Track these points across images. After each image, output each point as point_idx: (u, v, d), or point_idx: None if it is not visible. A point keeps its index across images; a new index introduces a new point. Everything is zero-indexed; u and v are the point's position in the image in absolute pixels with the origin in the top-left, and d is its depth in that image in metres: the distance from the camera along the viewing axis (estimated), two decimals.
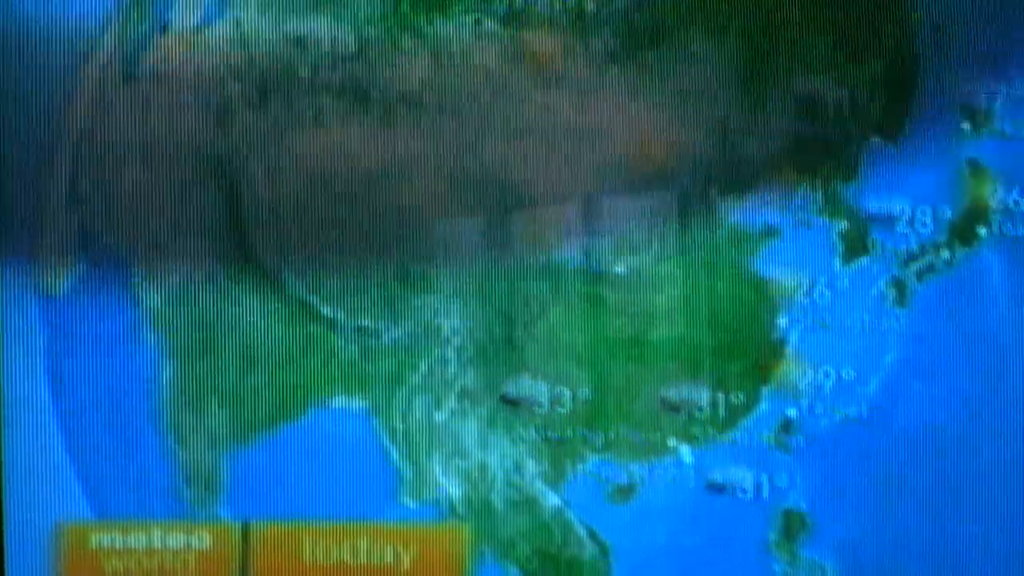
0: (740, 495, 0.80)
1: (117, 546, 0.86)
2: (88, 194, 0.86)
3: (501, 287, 0.80)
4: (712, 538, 0.80)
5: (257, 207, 0.82)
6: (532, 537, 0.82)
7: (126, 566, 0.86)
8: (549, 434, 0.81)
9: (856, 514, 0.80)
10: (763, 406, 0.79)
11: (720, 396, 0.79)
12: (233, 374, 0.83)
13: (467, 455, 0.81)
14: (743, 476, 0.80)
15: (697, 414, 0.79)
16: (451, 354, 0.81)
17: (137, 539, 0.86)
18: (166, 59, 0.83)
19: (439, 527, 0.86)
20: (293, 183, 0.82)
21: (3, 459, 0.85)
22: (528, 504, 0.81)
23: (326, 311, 0.82)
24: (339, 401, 0.83)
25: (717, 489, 0.80)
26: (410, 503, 0.83)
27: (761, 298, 0.78)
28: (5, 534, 0.85)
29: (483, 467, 0.81)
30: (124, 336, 0.86)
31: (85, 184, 0.85)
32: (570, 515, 0.81)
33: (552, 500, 0.80)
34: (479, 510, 0.82)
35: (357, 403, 0.83)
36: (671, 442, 0.80)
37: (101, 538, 0.86)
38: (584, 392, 0.80)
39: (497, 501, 0.81)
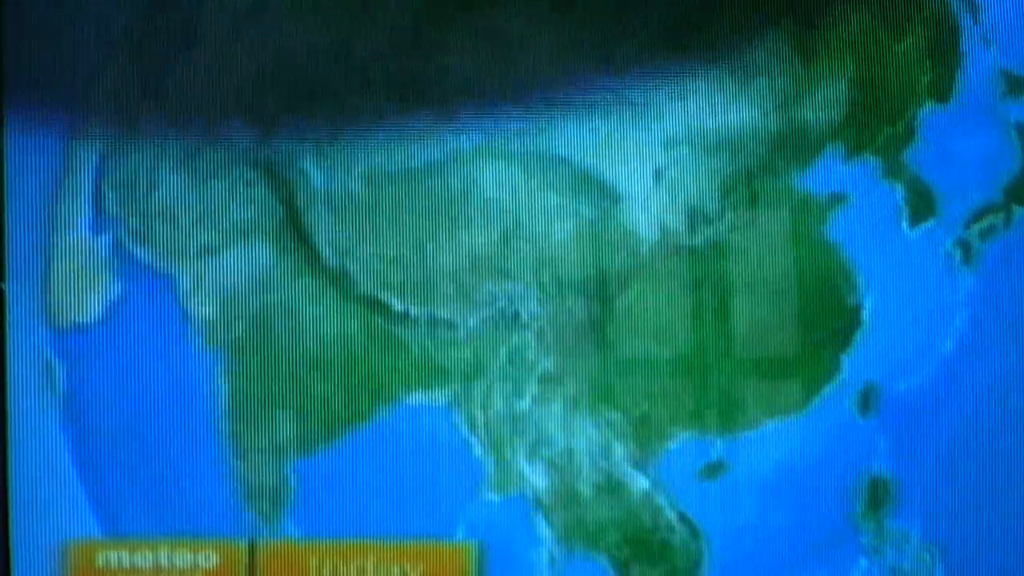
0: (825, 466, 0.79)
1: (124, 564, 0.85)
2: (119, 211, 0.82)
3: (578, 267, 0.79)
4: (798, 512, 0.79)
5: (316, 208, 0.80)
6: (621, 524, 0.80)
7: None
8: (635, 414, 0.79)
9: (940, 479, 0.80)
10: (844, 374, 0.78)
11: (802, 366, 0.78)
12: (299, 380, 0.82)
13: (552, 442, 0.80)
14: (827, 446, 0.79)
15: (781, 385, 0.78)
16: (531, 339, 0.80)
17: (144, 557, 0.85)
18: (203, 64, 0.80)
19: (446, 546, 0.85)
20: (352, 180, 0.80)
21: (10, 478, 0.84)
22: (616, 489, 0.80)
23: (397, 306, 0.81)
24: (416, 397, 0.81)
25: (802, 461, 0.79)
26: (494, 497, 0.80)
27: (835, 264, 0.79)
28: (12, 552, 0.84)
29: (569, 453, 0.80)
30: (170, 354, 0.83)
31: (113, 201, 0.81)
32: (659, 498, 0.79)
33: (641, 483, 0.79)
34: (566, 500, 0.80)
35: (435, 398, 0.81)
36: (757, 415, 0.79)
37: (108, 556, 0.85)
38: (667, 368, 0.78)
39: (584, 488, 0.80)
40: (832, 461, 0.79)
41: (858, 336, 0.78)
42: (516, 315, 0.79)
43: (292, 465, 0.83)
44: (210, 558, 0.85)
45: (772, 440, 0.79)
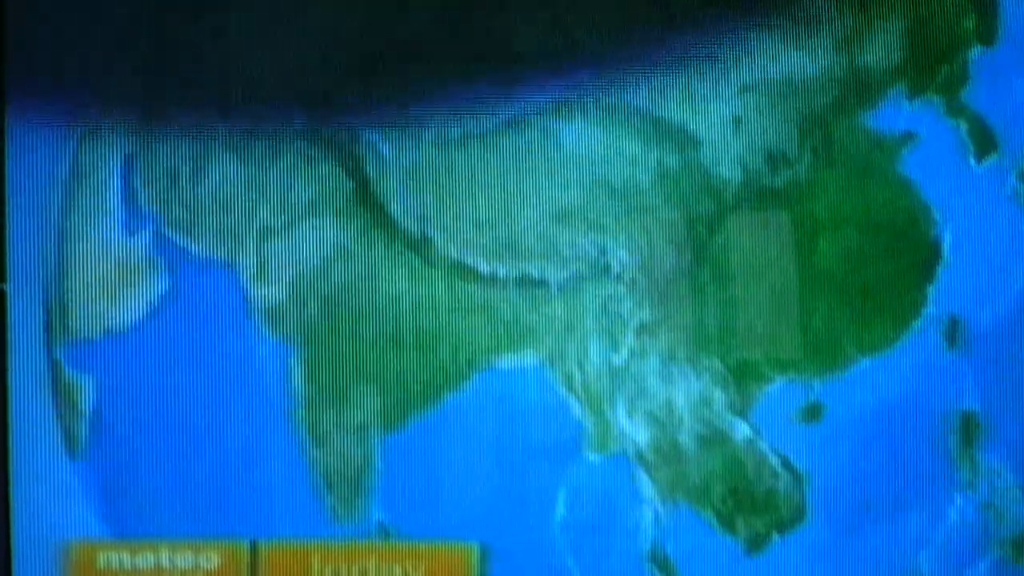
0: (918, 402, 0.79)
1: (125, 565, 0.84)
2: (158, 207, 0.82)
3: (665, 215, 0.79)
4: (895, 451, 0.79)
5: (388, 178, 0.79)
6: (725, 475, 0.79)
7: None
8: (732, 360, 0.78)
9: None
10: (930, 308, 0.79)
11: (890, 301, 0.79)
12: (382, 354, 0.80)
13: (651, 395, 0.79)
14: (918, 382, 0.79)
15: (871, 321, 0.79)
16: (623, 291, 0.79)
17: (145, 559, 0.84)
18: (241, 47, 0.80)
19: (448, 547, 0.83)
20: (424, 147, 0.79)
21: (11, 478, 0.82)
22: (719, 439, 0.79)
23: (484, 268, 0.79)
24: (509, 359, 0.79)
25: (896, 398, 0.79)
26: (595, 457, 0.79)
27: (912, 200, 0.80)
28: (13, 553, 0.82)
29: (669, 406, 0.79)
30: (232, 344, 0.82)
31: (149, 197, 0.81)
32: (762, 445, 0.79)
33: (742, 431, 0.79)
34: (668, 454, 0.79)
35: (529, 358, 0.79)
36: (850, 353, 0.79)
37: (109, 557, 0.84)
38: (761, 310, 0.79)
39: (686, 441, 0.79)
40: (924, 396, 0.79)
41: (940, 269, 0.78)
42: (607, 267, 0.78)
43: (378, 444, 0.79)
44: (211, 559, 0.84)
45: (866, 378, 0.79)
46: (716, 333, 0.79)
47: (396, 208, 0.79)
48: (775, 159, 0.78)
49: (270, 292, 0.80)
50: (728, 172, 0.78)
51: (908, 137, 0.79)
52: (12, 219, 0.83)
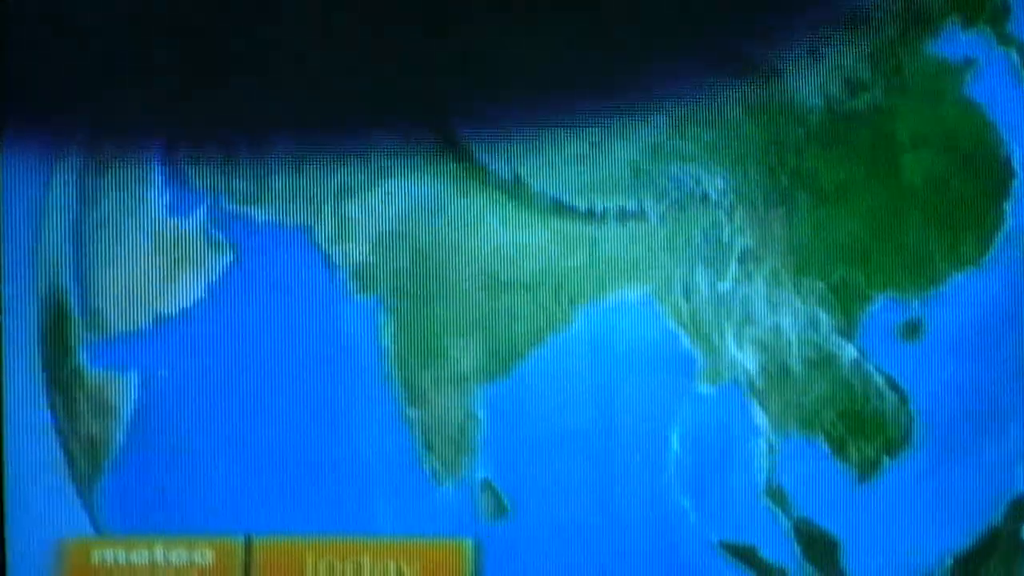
0: (1010, 316, 0.81)
1: (120, 562, 0.83)
2: (212, 182, 0.81)
3: (757, 142, 0.80)
4: (992, 367, 0.81)
5: (477, 122, 0.79)
6: (834, 398, 0.80)
7: None
8: (834, 281, 0.80)
9: None
10: (1010, 222, 0.82)
11: (974, 217, 0.81)
12: (481, 303, 0.79)
13: (758, 321, 0.79)
14: (1008, 296, 0.81)
15: (959, 238, 0.81)
16: (723, 218, 0.80)
17: (139, 555, 0.83)
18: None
19: (442, 544, 0.83)
20: (508, 84, 0.80)
21: (5, 475, 0.82)
22: (827, 362, 0.80)
23: (581, 205, 0.79)
24: (613, 296, 0.79)
25: (989, 313, 0.81)
26: (707, 388, 0.79)
27: (980, 121, 0.83)
28: (7, 550, 0.82)
29: (776, 330, 0.79)
30: (314, 309, 0.80)
31: (201, 175, 0.82)
32: (867, 365, 0.79)
33: (849, 352, 0.79)
34: (779, 380, 0.80)
35: (633, 292, 0.79)
36: (943, 268, 0.81)
37: (103, 554, 0.83)
38: (855, 230, 0.80)
39: (795, 365, 0.79)
40: (1015, 310, 0.80)
41: (1015, 185, 0.80)
42: (705, 196, 0.78)
43: (480, 396, 0.77)
44: (206, 555, 0.83)
45: (960, 293, 0.80)
46: (816, 255, 0.79)
47: (488, 154, 0.78)
48: (853, 86, 0.79)
49: (355, 250, 0.77)
50: (810, 99, 0.78)
51: (968, 63, 0.80)
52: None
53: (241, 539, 0.83)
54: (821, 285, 0.78)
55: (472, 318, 0.80)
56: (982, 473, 0.80)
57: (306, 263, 0.81)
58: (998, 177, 0.80)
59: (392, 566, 0.83)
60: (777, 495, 0.78)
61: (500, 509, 0.81)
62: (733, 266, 0.78)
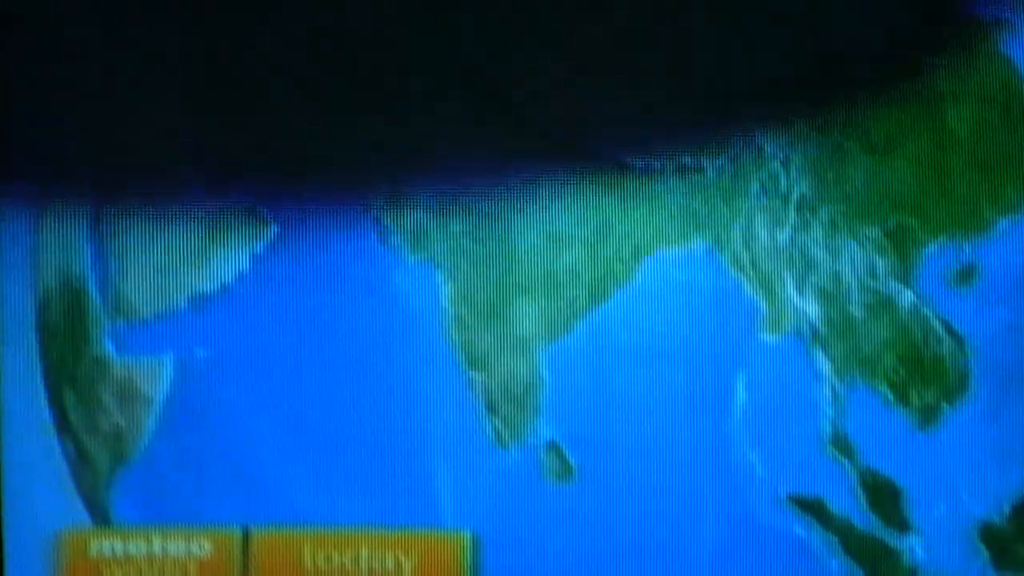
0: None
1: (117, 554, 0.83)
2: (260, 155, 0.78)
3: (806, 95, 0.82)
4: None
5: (529, 87, 0.80)
6: (895, 344, 0.81)
7: (126, 574, 0.83)
8: (890, 226, 0.81)
9: None
10: None
11: (1016, 166, 0.83)
12: (540, 261, 0.79)
13: (818, 268, 0.80)
14: None
15: (1001, 183, 0.83)
16: (778, 168, 0.81)
17: (137, 547, 0.83)
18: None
19: (441, 535, 0.83)
20: (564, 53, 0.81)
21: (3, 466, 0.82)
22: (886, 307, 0.81)
23: (639, 162, 0.80)
24: (675, 249, 0.80)
25: None
26: (770, 337, 0.80)
27: (1015, 75, 0.85)
28: (5, 542, 0.82)
29: (836, 277, 0.80)
30: (370, 276, 0.80)
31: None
32: (925, 309, 0.81)
33: (907, 297, 0.81)
34: (840, 327, 0.81)
35: (696, 244, 0.80)
36: (990, 214, 0.82)
37: (101, 546, 0.83)
38: (907, 177, 0.82)
39: (856, 312, 0.81)
40: None
41: None
42: (760, 148, 0.79)
43: (544, 355, 0.78)
44: (204, 547, 0.83)
45: (1007, 239, 0.81)
46: (871, 202, 0.79)
47: (544, 115, 0.79)
48: (893, 41, 0.80)
49: (409, 214, 0.77)
50: (855, 54, 0.79)
51: (1000, 23, 0.82)
52: None
53: (239, 530, 0.83)
54: (877, 231, 0.78)
55: (531, 278, 0.80)
56: None
57: (357, 230, 0.77)
58: None
59: (389, 557, 0.82)
60: (842, 445, 0.77)
61: (566, 470, 0.79)
62: (791, 215, 0.77)
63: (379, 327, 0.81)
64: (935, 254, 0.79)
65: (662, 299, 0.80)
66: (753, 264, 0.78)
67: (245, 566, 0.83)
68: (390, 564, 0.82)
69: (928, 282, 0.80)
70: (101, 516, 0.84)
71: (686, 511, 0.81)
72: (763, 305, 0.79)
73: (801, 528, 0.81)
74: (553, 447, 0.78)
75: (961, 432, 0.80)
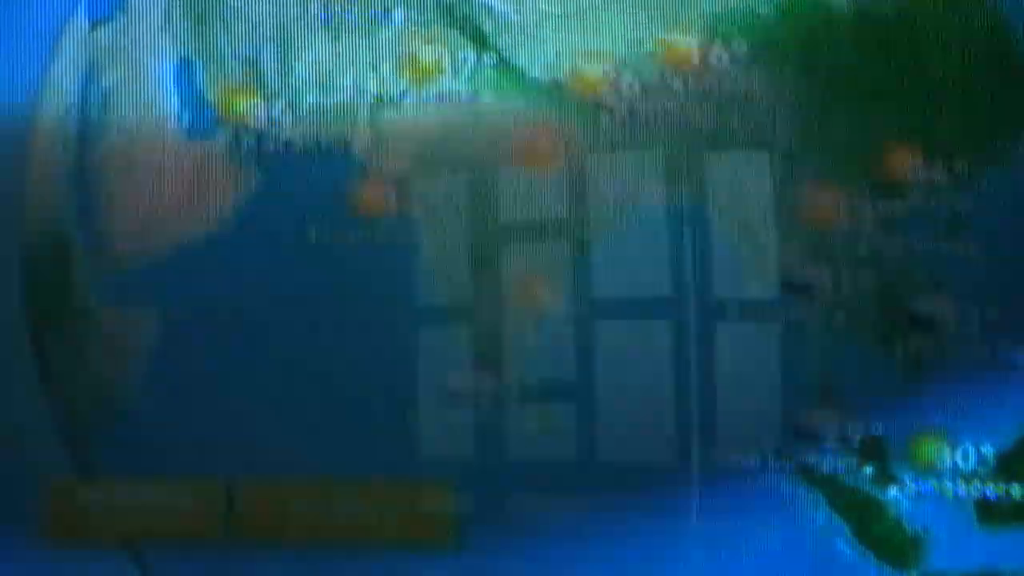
0: None
1: (103, 505, 0.83)
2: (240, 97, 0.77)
3: (791, 45, 0.81)
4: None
5: (509, 33, 0.79)
6: (880, 295, 0.81)
7: (111, 524, 0.83)
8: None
9: None
10: None
11: (1001, 109, 0.82)
12: (521, 210, 0.81)
13: (802, 220, 0.80)
14: None
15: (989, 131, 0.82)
16: (764, 116, 0.80)
17: (122, 498, 0.83)
18: None
19: (422, 486, 0.82)
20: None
21: None
22: (872, 259, 0.80)
23: (622, 106, 0.80)
24: (659, 197, 0.79)
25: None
26: (755, 288, 0.80)
27: (997, 24, 0.84)
28: None
29: (819, 231, 0.80)
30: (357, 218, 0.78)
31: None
32: (911, 259, 0.80)
33: (895, 246, 0.80)
34: (825, 280, 0.81)
35: (679, 192, 0.80)
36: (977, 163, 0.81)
37: (87, 495, 0.83)
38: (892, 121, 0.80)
39: (840, 264, 0.81)
40: None
41: None
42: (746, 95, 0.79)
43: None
44: (188, 498, 0.82)
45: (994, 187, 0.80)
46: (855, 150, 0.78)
47: (523, 58, 0.77)
48: None
49: (392, 165, 0.76)
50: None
51: None
52: None
53: (223, 481, 0.82)
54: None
55: (515, 225, 0.81)
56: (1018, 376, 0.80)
57: (340, 180, 0.80)
58: (1018, 75, 0.80)
59: (374, 509, 0.81)
60: (828, 397, 0.79)
61: (546, 419, 0.82)
62: (777, 165, 0.77)
63: (363, 279, 0.81)
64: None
65: (645, 247, 0.80)
66: (737, 214, 0.77)
67: (229, 517, 0.82)
68: (373, 515, 0.82)
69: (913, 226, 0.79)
70: (85, 468, 0.84)
71: (672, 462, 0.79)
72: (747, 255, 0.78)
73: (786, 483, 0.80)
74: (535, 396, 0.79)
75: (947, 384, 0.79)
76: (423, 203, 0.78)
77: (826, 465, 0.80)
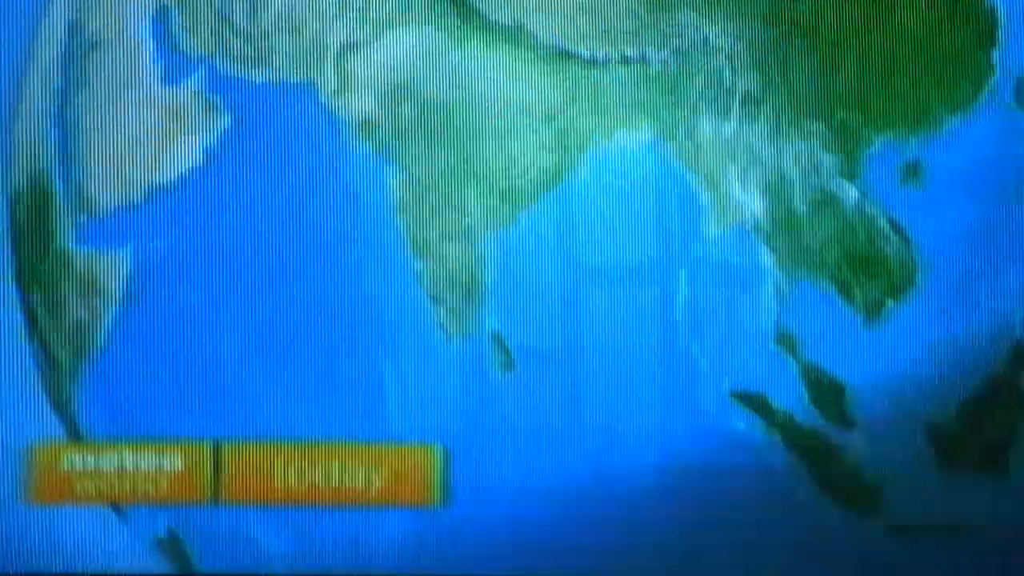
0: (1005, 160, 0.82)
1: (88, 467, 0.83)
2: (207, 46, 0.82)
3: None
4: (993, 210, 0.82)
5: None
6: (839, 240, 0.80)
7: (98, 487, 0.84)
8: (835, 122, 0.80)
9: None
10: (999, 70, 0.83)
11: (964, 65, 0.83)
12: (487, 150, 0.80)
13: (763, 163, 0.80)
14: (1000, 140, 0.83)
15: (953, 82, 0.82)
16: (724, 62, 0.81)
17: (109, 460, 0.83)
18: None
19: (411, 448, 0.83)
20: None
21: None
22: (830, 203, 0.80)
23: (584, 51, 0.80)
24: (619, 139, 0.79)
25: (984, 157, 0.82)
26: (714, 231, 0.79)
27: None
28: None
29: (780, 172, 0.80)
30: (320, 165, 0.82)
31: (193, 42, 0.82)
32: (870, 207, 0.80)
33: (852, 194, 0.80)
34: (784, 221, 0.80)
35: (641, 135, 0.80)
36: (937, 110, 0.82)
37: (73, 459, 0.83)
38: (853, 74, 0.81)
39: (800, 207, 0.80)
40: (1007, 154, 0.81)
41: (1000, 33, 0.82)
42: (705, 40, 0.79)
43: (489, 245, 0.78)
44: (175, 460, 0.83)
45: (955, 137, 0.81)
46: (816, 97, 0.79)
47: (487, 5, 0.77)
48: None
49: (359, 104, 0.77)
50: None
51: None
52: None
53: (210, 444, 0.83)
54: (822, 126, 0.78)
55: (479, 168, 0.81)
56: (983, 318, 0.79)
57: (309, 119, 0.82)
58: (985, 27, 0.80)
59: (361, 472, 0.82)
60: (785, 340, 0.77)
61: (508, 363, 0.80)
62: (736, 108, 0.77)
63: (330, 218, 0.82)
64: (881, 151, 0.79)
65: (605, 190, 0.81)
66: (697, 157, 0.78)
67: (216, 480, 0.83)
68: (360, 478, 0.83)
69: (874, 178, 0.79)
70: (69, 424, 0.85)
71: (628, 403, 0.82)
72: (707, 199, 0.78)
73: (744, 423, 0.81)
74: (496, 338, 0.78)
75: (907, 330, 0.81)
76: (390, 143, 0.77)
77: (784, 406, 0.79)
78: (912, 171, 0.79)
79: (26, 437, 0.85)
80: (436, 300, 0.79)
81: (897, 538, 0.83)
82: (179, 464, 0.84)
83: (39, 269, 0.84)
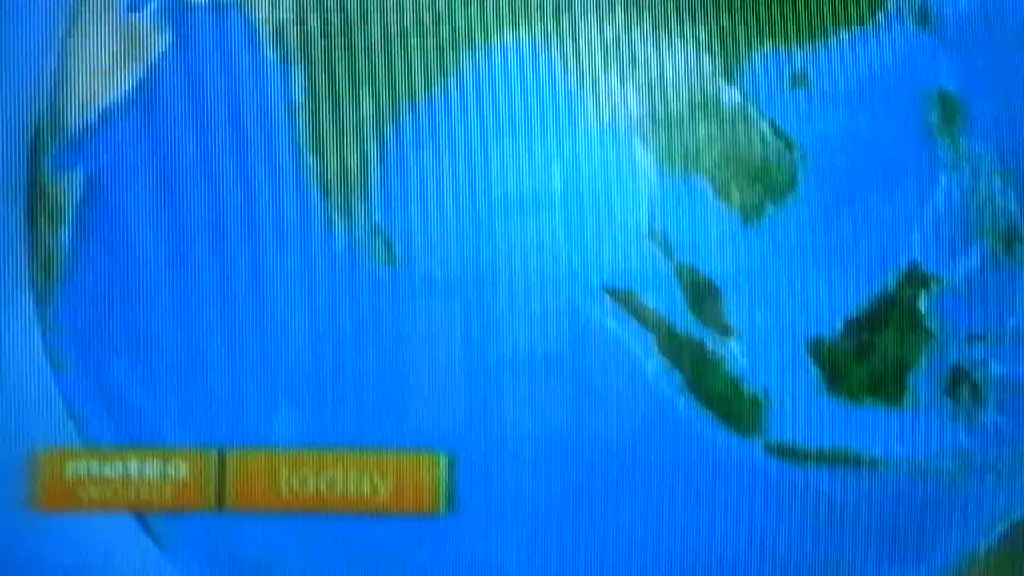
0: (897, 78, 0.83)
1: (93, 475, 0.84)
2: None
3: None
4: (880, 122, 0.83)
5: None
6: (717, 140, 0.81)
7: (102, 495, 0.84)
8: (719, 28, 0.82)
9: (1005, 97, 0.83)
10: None
11: None
12: (375, 55, 0.83)
13: (643, 65, 0.82)
14: (896, 59, 0.83)
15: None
16: None
17: (113, 468, 0.84)
18: None
19: (417, 456, 0.83)
20: None
21: None
22: (710, 104, 0.81)
23: None
24: (503, 41, 0.82)
25: (876, 72, 0.82)
26: (590, 127, 0.81)
27: None
28: None
29: (660, 74, 0.82)
30: (237, 78, 0.85)
31: None
32: (751, 110, 0.81)
33: (732, 96, 0.81)
34: (662, 121, 0.81)
35: (523, 39, 0.82)
36: (828, 25, 0.83)
37: (78, 467, 0.84)
38: None
39: (679, 107, 0.81)
40: (903, 73, 0.81)
41: None
42: None
43: (375, 142, 0.82)
44: (180, 468, 0.83)
45: (847, 51, 0.81)
46: (701, 2, 0.80)
47: None
48: None
49: (272, 15, 0.81)
50: None
51: None
52: None
53: (215, 452, 0.84)
54: (705, 32, 0.79)
55: (370, 69, 0.83)
56: (874, 232, 0.79)
57: (233, 34, 0.85)
58: None
59: (365, 480, 0.83)
60: (659, 239, 0.79)
61: (389, 257, 0.82)
62: (619, 13, 0.79)
63: (240, 129, 0.86)
64: (767, 58, 0.80)
65: (489, 88, 0.83)
66: (578, 58, 0.80)
67: (221, 488, 0.84)
68: (366, 486, 0.83)
69: (757, 84, 0.80)
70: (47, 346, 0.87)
71: (501, 299, 0.83)
72: (585, 98, 0.80)
73: (616, 323, 0.80)
74: (379, 231, 0.81)
75: (788, 236, 0.81)
76: (296, 51, 0.82)
77: (657, 307, 0.79)
78: (799, 80, 0.80)
79: (31, 445, 0.86)
80: (325, 193, 0.81)
81: (779, 459, 0.81)
82: (184, 472, 0.85)
83: (34, 209, 0.88)
